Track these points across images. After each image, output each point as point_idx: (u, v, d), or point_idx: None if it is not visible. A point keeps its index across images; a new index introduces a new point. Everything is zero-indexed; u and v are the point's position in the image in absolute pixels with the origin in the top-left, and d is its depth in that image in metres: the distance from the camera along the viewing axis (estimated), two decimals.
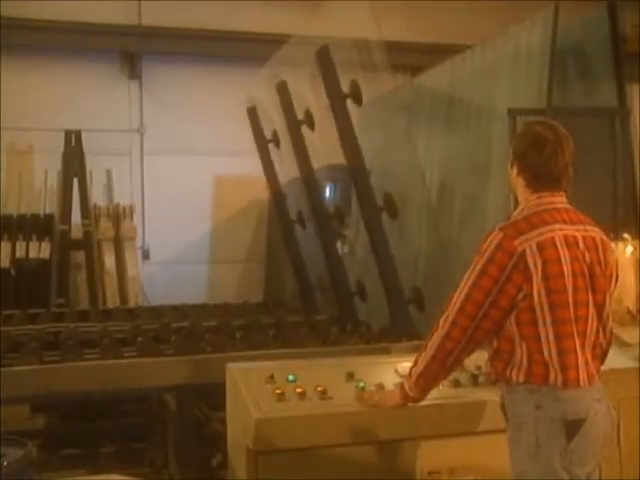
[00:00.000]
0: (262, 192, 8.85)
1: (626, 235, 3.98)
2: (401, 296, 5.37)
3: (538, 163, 2.83)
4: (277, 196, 7.28)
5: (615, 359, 3.48)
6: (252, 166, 8.24)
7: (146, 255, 9.33)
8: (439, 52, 7.93)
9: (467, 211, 6.20)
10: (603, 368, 2.94)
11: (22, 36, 8.59)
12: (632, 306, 3.89)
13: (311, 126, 6.07)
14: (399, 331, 5.09)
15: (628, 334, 3.73)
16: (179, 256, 9.42)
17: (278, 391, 3.17)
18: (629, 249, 3.89)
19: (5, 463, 2.85)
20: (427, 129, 6.85)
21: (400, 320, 5.29)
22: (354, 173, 5.59)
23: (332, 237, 6.33)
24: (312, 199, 6.43)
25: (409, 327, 5.21)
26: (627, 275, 3.85)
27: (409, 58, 9.70)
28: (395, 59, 9.74)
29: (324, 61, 5.45)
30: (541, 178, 2.84)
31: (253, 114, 7.34)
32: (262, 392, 3.19)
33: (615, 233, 3.93)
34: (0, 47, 8.29)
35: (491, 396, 3.07)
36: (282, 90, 6.44)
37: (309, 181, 6.41)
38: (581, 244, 2.78)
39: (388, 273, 5.43)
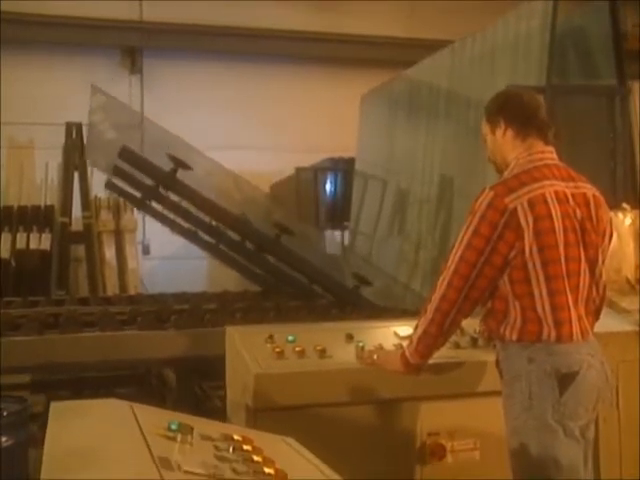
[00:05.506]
0: (261, 187, 8.89)
1: (625, 205, 3.98)
2: (347, 291, 5.67)
3: (523, 104, 2.92)
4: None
5: (614, 323, 3.50)
6: (252, 161, 8.26)
7: (146, 250, 9.35)
8: (440, 48, 7.95)
9: (466, 198, 6.20)
10: (602, 331, 2.94)
11: (23, 31, 8.67)
12: (631, 276, 3.88)
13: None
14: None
15: (627, 302, 3.72)
16: (179, 251, 9.39)
17: (277, 349, 3.16)
18: (628, 219, 3.89)
19: (5, 414, 2.86)
20: (426, 117, 6.87)
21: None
22: (233, 227, 5.81)
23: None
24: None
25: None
26: (626, 245, 3.85)
27: (409, 54, 9.76)
28: (395, 55, 9.92)
29: (132, 160, 5.57)
30: (531, 118, 2.88)
31: (113, 187, 6.90)
32: (261, 351, 3.18)
33: (613, 207, 3.93)
34: (0, 42, 8.34)
35: (490, 357, 3.06)
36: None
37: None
38: (571, 200, 2.79)
39: (325, 282, 5.75)
